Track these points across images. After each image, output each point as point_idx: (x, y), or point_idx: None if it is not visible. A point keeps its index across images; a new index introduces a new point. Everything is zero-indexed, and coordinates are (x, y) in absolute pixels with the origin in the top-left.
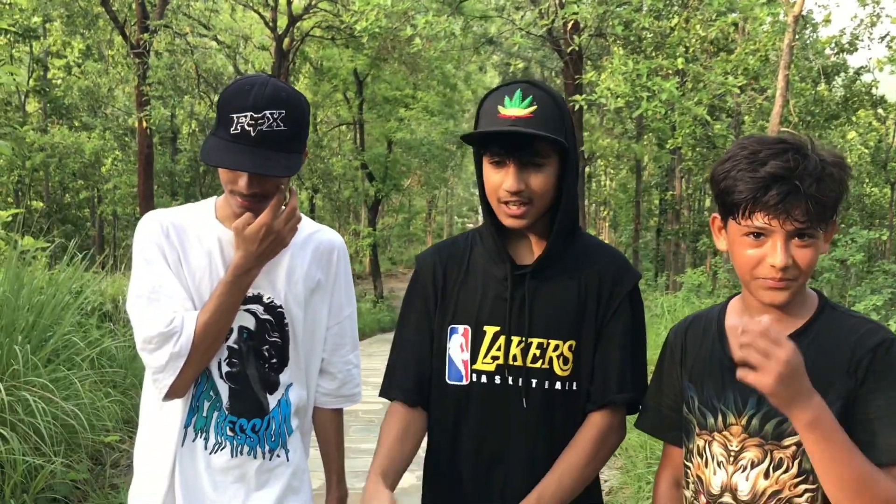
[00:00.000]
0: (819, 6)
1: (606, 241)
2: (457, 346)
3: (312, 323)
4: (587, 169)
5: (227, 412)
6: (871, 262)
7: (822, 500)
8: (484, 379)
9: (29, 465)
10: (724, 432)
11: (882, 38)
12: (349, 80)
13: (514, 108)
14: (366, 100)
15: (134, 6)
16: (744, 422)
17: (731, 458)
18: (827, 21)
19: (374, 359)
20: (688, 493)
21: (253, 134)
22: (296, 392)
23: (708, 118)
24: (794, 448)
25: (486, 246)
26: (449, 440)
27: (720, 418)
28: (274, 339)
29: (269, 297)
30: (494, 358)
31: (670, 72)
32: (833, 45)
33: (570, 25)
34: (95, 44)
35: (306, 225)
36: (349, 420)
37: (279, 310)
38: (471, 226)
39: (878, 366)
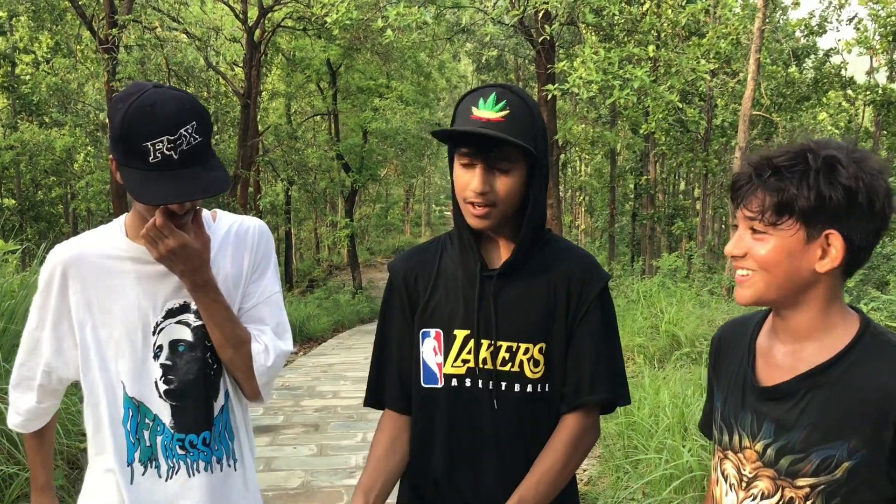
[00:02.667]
0: None
1: (583, 227)
2: (430, 349)
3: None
4: (562, 156)
5: (172, 431)
6: None
7: None
8: (455, 382)
9: (3, 474)
10: (739, 454)
11: (850, 20)
12: (322, 70)
13: (487, 111)
14: (339, 90)
15: (101, 0)
16: (759, 448)
17: (744, 484)
18: (796, 4)
19: (354, 352)
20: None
21: (176, 157)
22: (235, 393)
23: (680, 104)
24: (807, 490)
25: (458, 248)
26: (422, 443)
27: (736, 438)
28: (212, 343)
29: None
30: (465, 361)
31: (642, 59)
32: (802, 27)
33: (541, 14)
34: (64, 39)
35: (224, 220)
36: (327, 416)
37: None
38: (448, 214)
39: None
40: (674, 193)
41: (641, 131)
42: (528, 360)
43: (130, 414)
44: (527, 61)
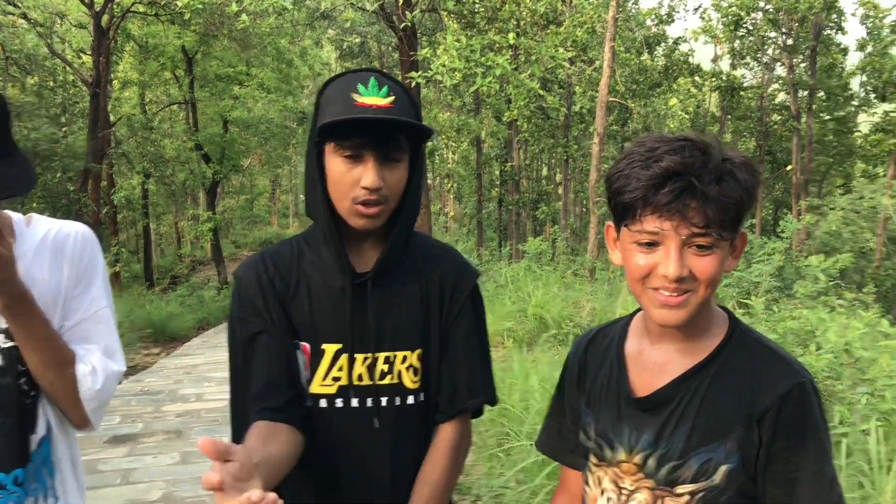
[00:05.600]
0: None
1: (452, 213)
2: (301, 365)
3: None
4: (429, 144)
5: None
6: None
7: None
8: (323, 403)
9: None
10: (615, 468)
11: (696, 10)
12: (177, 57)
13: (373, 97)
14: (196, 78)
15: None
16: (638, 460)
17: (623, 498)
18: None
19: (220, 350)
20: None
21: None
22: (59, 423)
23: (540, 91)
24: (688, 497)
25: (321, 254)
26: (299, 472)
27: (614, 452)
28: (27, 367)
29: (5, 324)
30: (336, 379)
31: (503, 46)
32: (653, 16)
33: (401, 1)
34: None
35: (40, 225)
36: (190, 421)
37: None
38: None
39: (786, 420)
40: (538, 179)
41: (504, 119)
42: (408, 368)
43: None
44: (390, 48)
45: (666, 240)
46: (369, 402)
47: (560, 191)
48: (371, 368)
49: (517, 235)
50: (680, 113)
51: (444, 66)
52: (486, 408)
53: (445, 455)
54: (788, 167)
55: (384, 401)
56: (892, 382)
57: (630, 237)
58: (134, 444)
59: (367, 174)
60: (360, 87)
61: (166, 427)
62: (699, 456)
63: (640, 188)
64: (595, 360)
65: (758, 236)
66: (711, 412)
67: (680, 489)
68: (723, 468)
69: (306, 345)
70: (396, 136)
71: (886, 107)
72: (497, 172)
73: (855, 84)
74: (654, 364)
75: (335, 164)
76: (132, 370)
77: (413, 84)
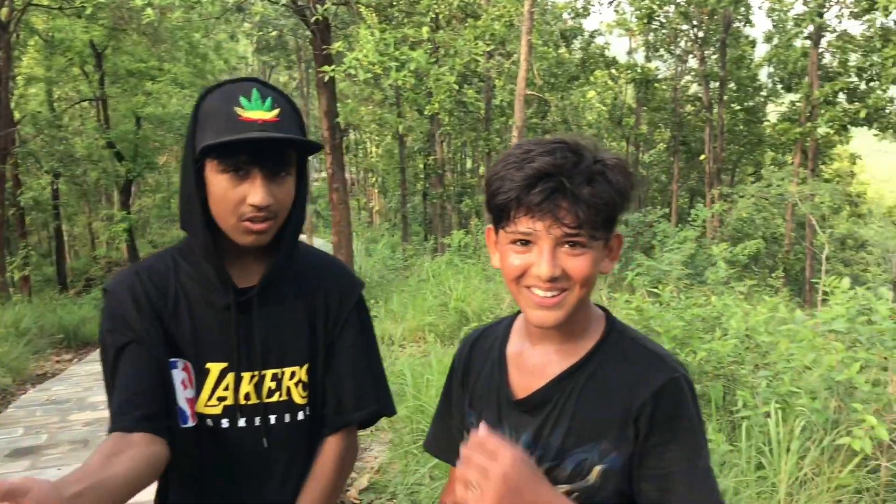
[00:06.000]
0: None
1: (377, 208)
2: (179, 382)
3: None
4: (352, 136)
5: None
6: None
7: None
8: (210, 423)
9: None
10: None
11: (610, 3)
12: (86, 52)
13: (258, 111)
14: (107, 74)
15: None
16: None
17: None
18: None
19: None
20: None
21: None
22: None
23: (456, 86)
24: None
25: (201, 270)
26: (186, 493)
27: None
28: None
29: None
30: (221, 399)
31: (420, 40)
32: (569, 10)
33: None
34: None
35: None
36: (99, 430)
37: None
38: None
39: (660, 416)
40: (461, 172)
41: (426, 112)
42: (297, 384)
43: None
44: (307, 42)
45: (539, 240)
46: (257, 420)
47: (483, 184)
48: (258, 387)
49: (442, 229)
50: (598, 105)
51: (357, 60)
52: (405, 404)
53: (331, 468)
54: (702, 157)
55: (273, 419)
56: (790, 366)
57: (506, 238)
58: (37, 456)
59: (255, 192)
60: (243, 101)
61: (73, 437)
62: (574, 457)
63: (514, 189)
64: (479, 360)
65: (673, 225)
66: (587, 413)
67: (559, 488)
68: (597, 468)
69: (187, 363)
70: (285, 152)
71: (792, 97)
72: (421, 166)
73: (763, 75)
74: (533, 365)
75: (219, 181)
76: (40, 378)
77: (327, 78)
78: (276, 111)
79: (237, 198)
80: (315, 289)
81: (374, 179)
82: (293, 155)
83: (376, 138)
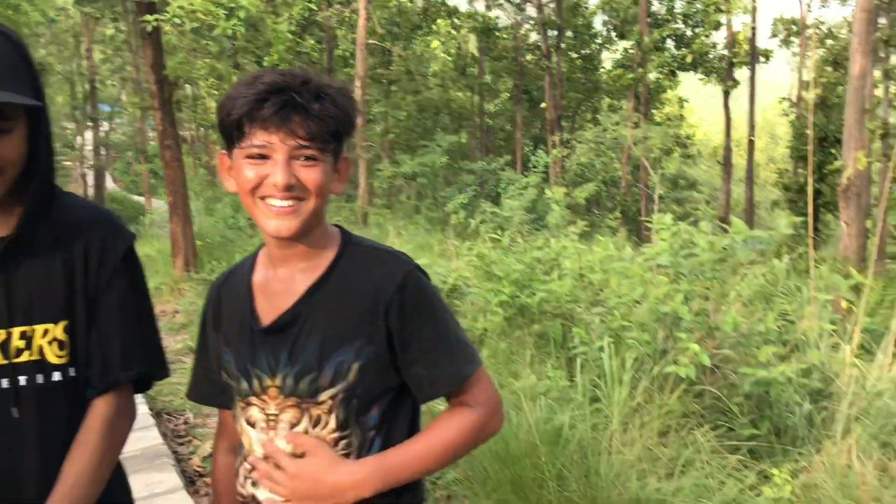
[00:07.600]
0: None
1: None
2: None
3: None
4: (189, 91)
5: None
6: (455, 163)
7: (357, 449)
8: None
9: None
10: (263, 396)
11: None
12: None
13: None
14: None
15: None
16: (278, 382)
17: (272, 423)
18: None
19: None
20: (238, 459)
21: None
22: None
23: (290, 35)
24: (329, 402)
25: None
26: None
27: (256, 382)
28: None
29: None
30: None
31: None
32: None
33: None
34: None
35: None
36: None
37: None
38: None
39: (409, 306)
40: None
41: (265, 64)
42: (51, 342)
43: None
44: None
45: (274, 152)
46: (5, 382)
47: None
48: (5, 345)
49: None
50: (442, 55)
51: (182, 8)
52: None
53: (97, 433)
54: (543, 104)
55: (23, 380)
56: (621, 301)
57: (240, 154)
58: None
59: None
60: None
61: None
62: (332, 362)
63: (246, 104)
64: (228, 299)
65: (518, 173)
66: (337, 319)
67: (322, 396)
68: (355, 366)
69: None
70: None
71: (625, 43)
72: None
73: (598, 23)
74: (280, 289)
75: None
76: None
77: (150, 28)
78: None
79: None
80: (74, 240)
81: (215, 136)
82: (12, 108)
83: (215, 92)
